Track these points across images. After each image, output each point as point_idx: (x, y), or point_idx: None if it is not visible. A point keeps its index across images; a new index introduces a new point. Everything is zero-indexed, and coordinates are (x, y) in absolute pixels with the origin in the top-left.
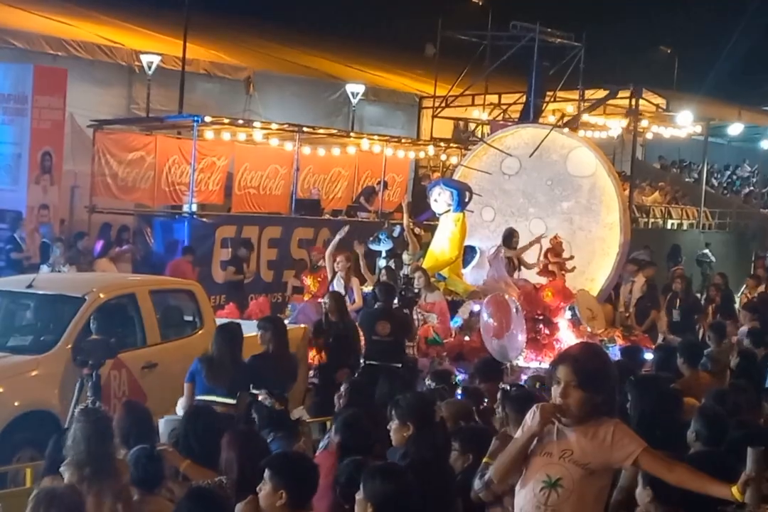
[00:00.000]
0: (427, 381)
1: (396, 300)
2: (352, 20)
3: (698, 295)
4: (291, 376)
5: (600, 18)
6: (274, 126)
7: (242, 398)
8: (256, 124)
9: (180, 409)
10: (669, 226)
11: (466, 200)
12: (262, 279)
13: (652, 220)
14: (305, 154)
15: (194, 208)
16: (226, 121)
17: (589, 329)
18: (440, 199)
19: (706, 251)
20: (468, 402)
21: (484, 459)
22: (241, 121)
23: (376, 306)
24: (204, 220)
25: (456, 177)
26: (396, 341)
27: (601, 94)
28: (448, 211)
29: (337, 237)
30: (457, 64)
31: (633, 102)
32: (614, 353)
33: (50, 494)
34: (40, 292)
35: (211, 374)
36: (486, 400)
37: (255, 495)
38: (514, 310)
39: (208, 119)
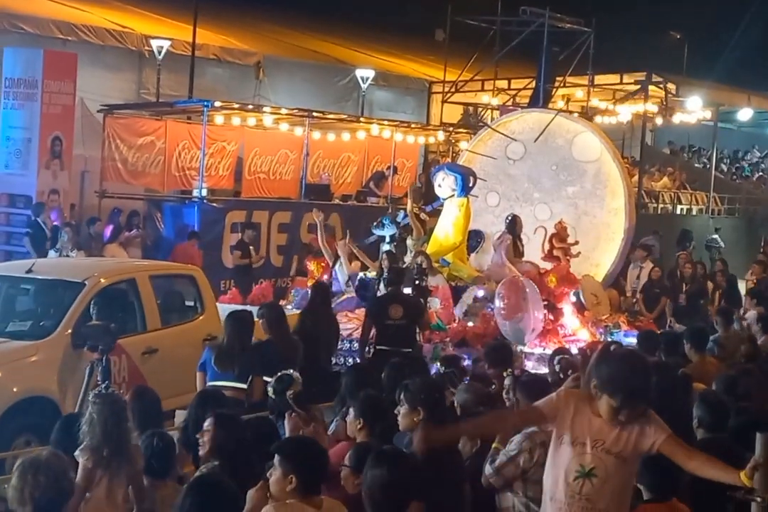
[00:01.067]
0: (437, 366)
1: (410, 290)
2: (361, 5)
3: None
4: (292, 361)
5: (610, 3)
6: (283, 111)
7: (255, 382)
8: (266, 109)
9: None
10: (678, 212)
11: (471, 185)
12: (272, 264)
13: (661, 205)
14: (315, 139)
15: (204, 192)
16: (236, 106)
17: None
18: (444, 183)
19: (716, 236)
20: (483, 387)
21: (494, 445)
22: (251, 106)
23: (379, 290)
24: (214, 204)
25: (461, 162)
26: (408, 325)
27: (610, 79)
28: (453, 195)
29: (318, 222)
30: (466, 49)
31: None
32: (619, 338)
33: (36, 461)
34: (40, 277)
35: (220, 361)
36: (494, 386)
37: (266, 481)
38: (530, 291)
39: (218, 104)
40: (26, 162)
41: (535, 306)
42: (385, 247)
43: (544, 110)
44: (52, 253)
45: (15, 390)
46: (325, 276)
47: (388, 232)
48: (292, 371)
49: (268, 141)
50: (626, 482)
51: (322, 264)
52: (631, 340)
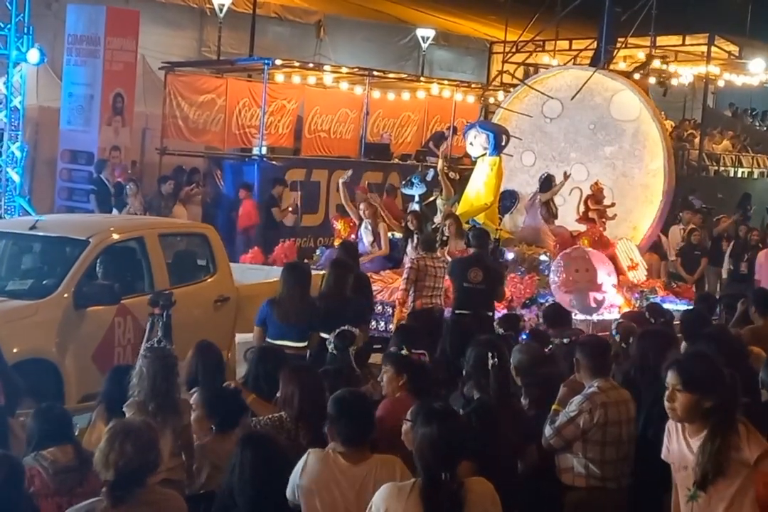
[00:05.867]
0: (496, 327)
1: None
2: None
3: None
4: (353, 317)
5: None
6: (344, 70)
7: (313, 338)
8: (327, 67)
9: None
10: (739, 175)
11: (503, 143)
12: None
13: (722, 168)
14: (375, 98)
15: (264, 151)
16: (297, 64)
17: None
18: (476, 142)
19: None
20: (540, 347)
21: (554, 407)
22: (311, 65)
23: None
24: (273, 162)
25: (496, 119)
26: (488, 289)
27: (672, 40)
28: (484, 154)
29: (341, 181)
30: (528, 9)
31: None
32: None
33: (126, 428)
34: (44, 234)
35: (282, 315)
36: (551, 346)
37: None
38: (593, 262)
39: (278, 62)
40: (88, 118)
41: (599, 276)
42: (414, 207)
43: (583, 67)
44: (114, 212)
45: (14, 351)
46: (353, 236)
47: (417, 191)
48: (350, 327)
49: (328, 100)
50: (736, 494)
51: (350, 224)
52: (668, 306)
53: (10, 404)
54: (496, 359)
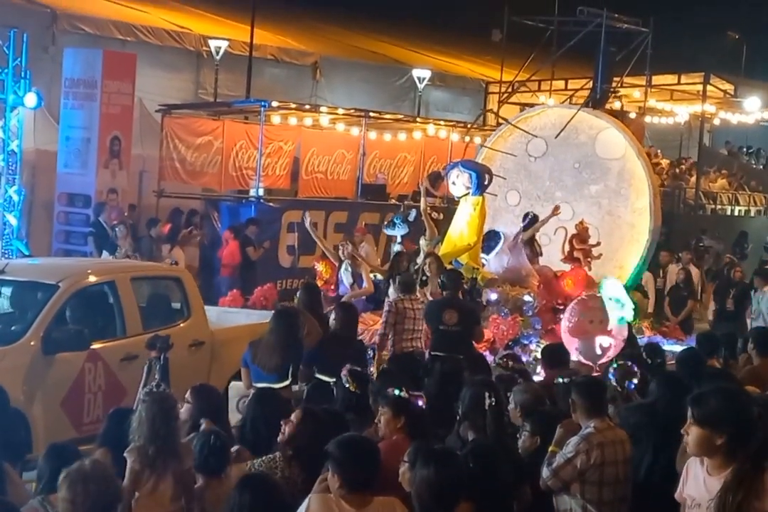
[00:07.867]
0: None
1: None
2: (418, 5)
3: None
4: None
5: (668, 3)
6: (340, 111)
7: (305, 378)
8: (323, 109)
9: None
10: (736, 213)
11: (486, 183)
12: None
13: (719, 207)
14: (371, 139)
15: (261, 192)
16: (293, 106)
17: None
18: (458, 181)
19: None
20: (540, 387)
21: (551, 448)
22: (307, 106)
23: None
24: (271, 204)
25: (479, 159)
26: (464, 331)
27: (668, 79)
28: (467, 194)
29: (308, 225)
30: (523, 49)
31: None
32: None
33: (82, 471)
34: (13, 279)
35: (257, 360)
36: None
37: (324, 477)
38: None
39: (275, 104)
40: (85, 161)
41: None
42: (396, 248)
43: (567, 105)
44: (105, 254)
45: None
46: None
47: (399, 231)
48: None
49: (324, 141)
50: None
51: (331, 266)
52: None
53: (16, 451)
54: (493, 399)
